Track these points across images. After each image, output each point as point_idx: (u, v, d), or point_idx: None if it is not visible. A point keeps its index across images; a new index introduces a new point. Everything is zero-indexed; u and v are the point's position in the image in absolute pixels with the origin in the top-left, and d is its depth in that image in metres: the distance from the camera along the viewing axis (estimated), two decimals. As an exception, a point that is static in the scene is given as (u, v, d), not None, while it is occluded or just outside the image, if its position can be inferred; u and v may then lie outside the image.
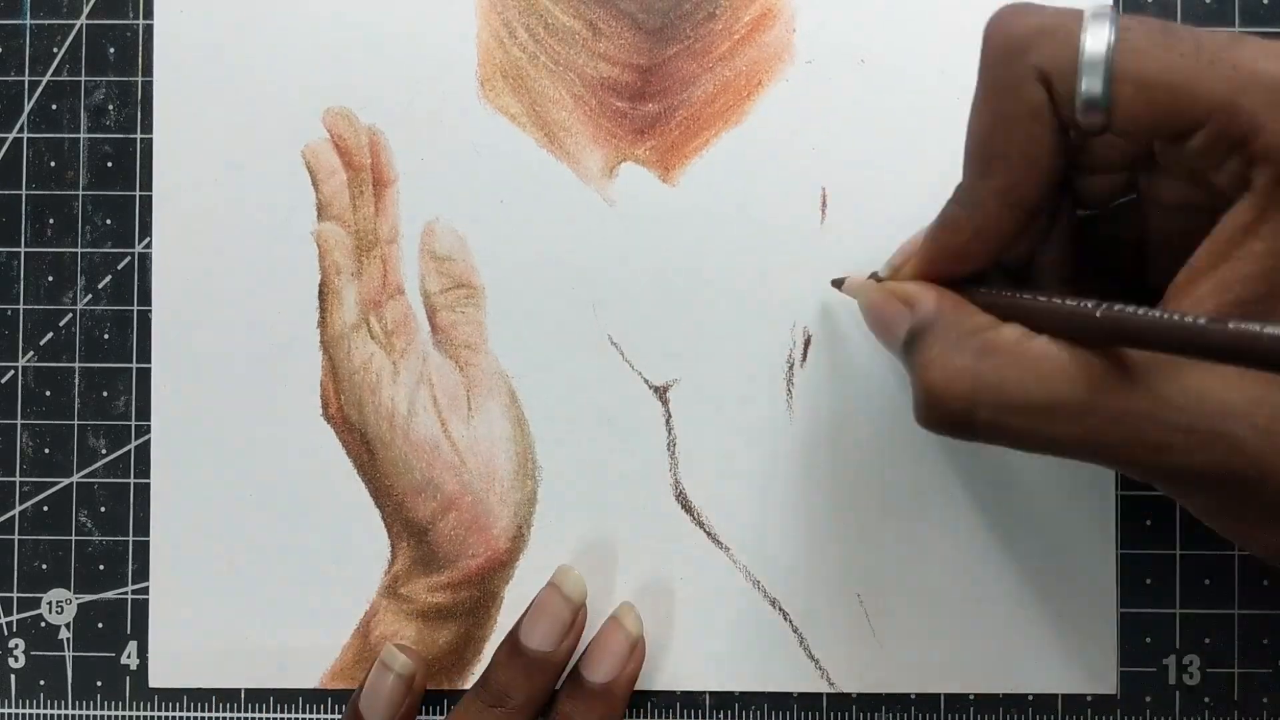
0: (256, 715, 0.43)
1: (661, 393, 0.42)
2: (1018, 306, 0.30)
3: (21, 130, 0.43)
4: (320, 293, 0.43)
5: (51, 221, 0.43)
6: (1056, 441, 0.28)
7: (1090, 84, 0.28)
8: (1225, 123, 0.27)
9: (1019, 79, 0.29)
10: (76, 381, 0.43)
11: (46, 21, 0.43)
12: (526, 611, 0.40)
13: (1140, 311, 0.27)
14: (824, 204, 0.42)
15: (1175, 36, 0.28)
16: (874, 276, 0.37)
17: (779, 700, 0.42)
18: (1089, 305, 0.28)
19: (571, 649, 0.40)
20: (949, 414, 0.29)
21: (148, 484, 0.43)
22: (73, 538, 0.43)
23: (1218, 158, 0.28)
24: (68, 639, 0.43)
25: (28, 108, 0.43)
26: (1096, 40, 0.28)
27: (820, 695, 0.42)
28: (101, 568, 0.43)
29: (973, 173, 0.31)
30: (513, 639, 0.40)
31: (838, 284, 0.40)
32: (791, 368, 0.42)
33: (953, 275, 0.32)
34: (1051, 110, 0.29)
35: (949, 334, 0.30)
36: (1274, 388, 0.27)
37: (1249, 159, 0.27)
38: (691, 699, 0.41)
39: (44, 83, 0.43)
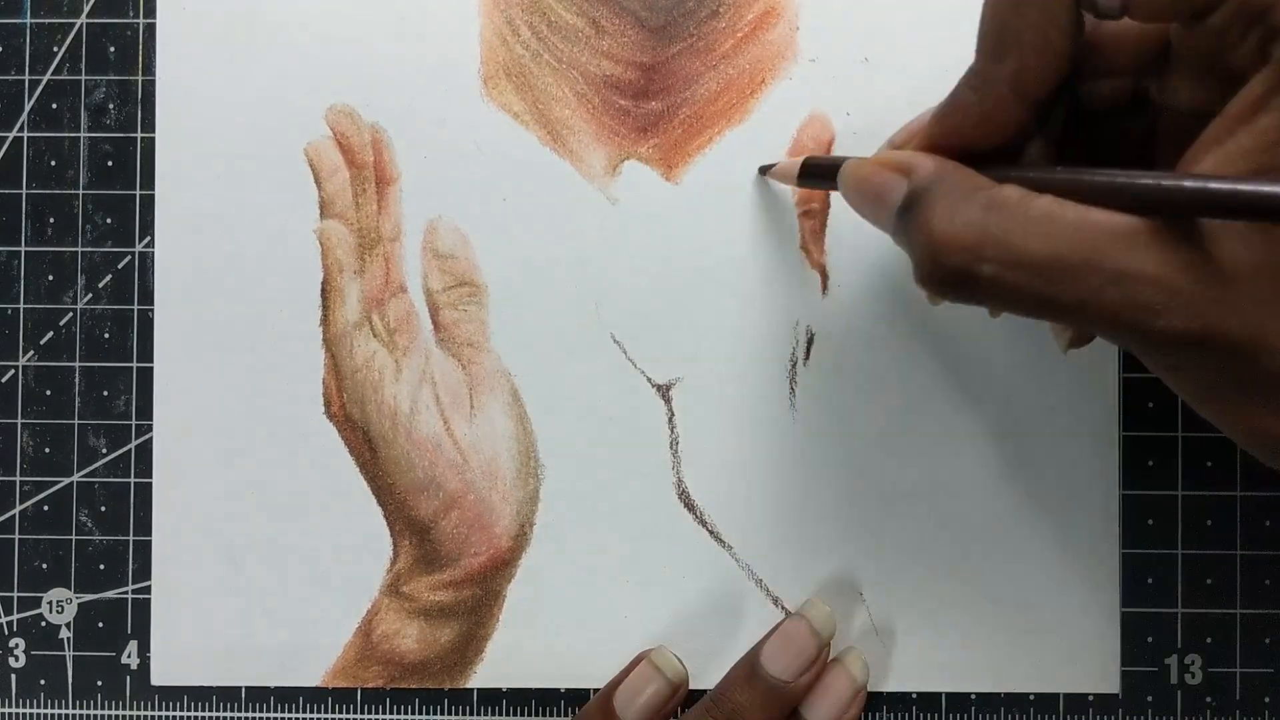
0: (257, 714, 0.43)
1: (664, 391, 0.42)
2: (1019, 179, 0.30)
3: (22, 129, 0.43)
4: (322, 291, 0.42)
5: (51, 221, 0.43)
6: (1055, 301, 0.28)
7: None
8: None
9: None
10: (77, 381, 0.43)
11: (47, 20, 0.43)
12: (769, 635, 0.40)
13: (1149, 176, 0.27)
14: (827, 202, 0.42)
15: None
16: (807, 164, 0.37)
17: (781, 700, 0.42)
18: (1103, 173, 0.28)
19: (810, 685, 0.40)
20: (953, 269, 0.29)
21: (148, 483, 0.43)
22: (73, 537, 0.43)
23: (1237, 34, 0.27)
24: (68, 638, 0.43)
25: (28, 107, 0.43)
26: None
27: (822, 695, 0.42)
28: (102, 567, 0.43)
29: (985, 56, 0.30)
30: (752, 661, 0.40)
31: (765, 170, 0.41)
32: (794, 366, 0.42)
33: (953, 157, 0.32)
34: None
35: (954, 190, 0.29)
36: (1276, 256, 0.26)
37: (1269, 32, 0.26)
38: (694, 698, 0.41)
39: (44, 82, 0.43)
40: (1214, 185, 0.25)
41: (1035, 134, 0.32)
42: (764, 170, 0.42)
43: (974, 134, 0.31)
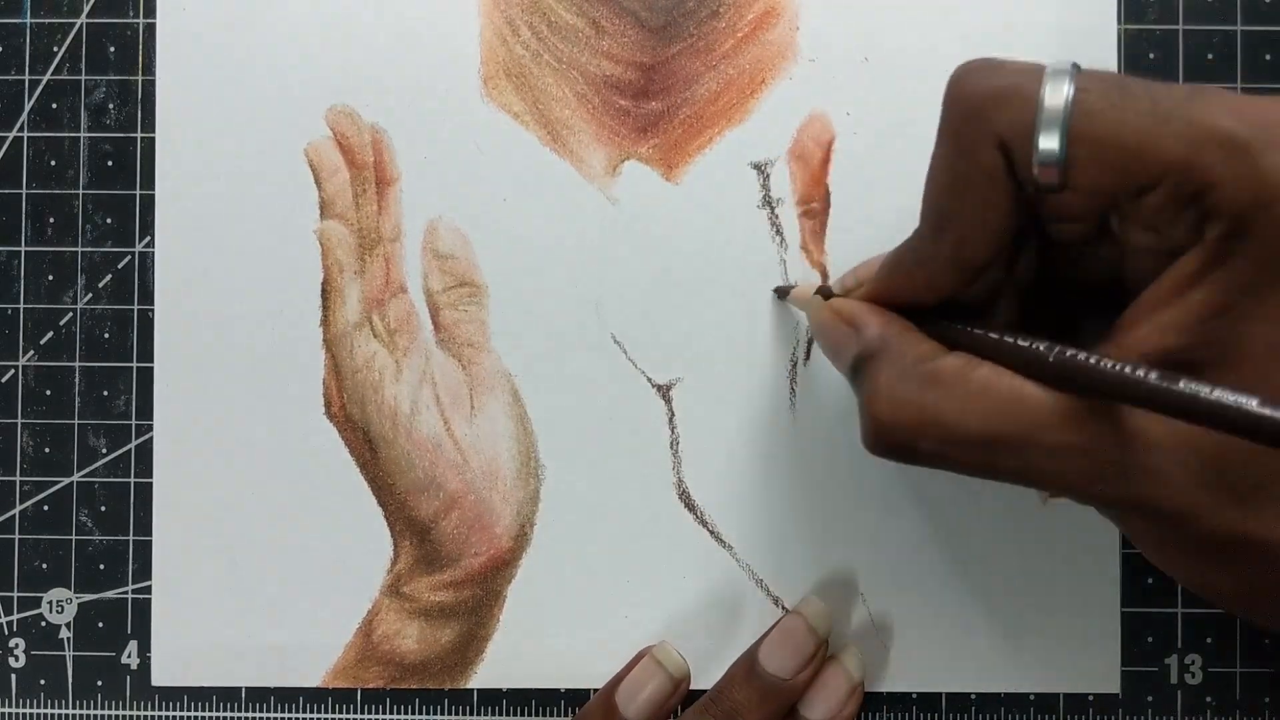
0: (257, 714, 0.43)
1: (664, 391, 0.42)
2: (965, 339, 0.30)
3: (22, 129, 0.43)
4: (323, 291, 0.42)
5: (51, 221, 0.43)
6: (996, 471, 0.29)
7: (1047, 144, 0.28)
8: (1181, 179, 0.27)
9: (977, 143, 0.29)
10: (77, 381, 0.43)
11: (47, 20, 0.43)
12: (768, 634, 0.41)
13: (1087, 358, 0.27)
14: (828, 202, 0.42)
15: (1131, 94, 0.28)
16: (821, 290, 0.37)
17: (781, 700, 0.42)
18: (1040, 347, 0.28)
19: (809, 681, 0.40)
20: (894, 444, 0.30)
21: (148, 483, 0.43)
22: (73, 537, 0.43)
23: (1174, 213, 0.28)
24: (68, 638, 0.43)
25: (28, 107, 0.43)
26: (1054, 99, 0.28)
27: (822, 694, 0.42)
28: (102, 567, 0.43)
29: (927, 227, 0.31)
30: (750, 659, 0.40)
31: (782, 293, 0.42)
32: (795, 366, 0.42)
33: (902, 308, 0.33)
34: (1008, 175, 0.29)
35: (894, 362, 0.30)
36: (1207, 433, 0.27)
37: (1203, 213, 0.27)
38: (694, 698, 0.41)
39: (44, 82, 0.43)
40: (1131, 375, 0.26)
41: (1005, 279, 0.33)
42: (781, 294, 0.42)
43: (917, 295, 0.32)
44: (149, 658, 0.43)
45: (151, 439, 0.43)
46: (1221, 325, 0.27)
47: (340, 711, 0.43)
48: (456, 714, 0.43)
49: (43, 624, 0.43)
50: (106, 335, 0.43)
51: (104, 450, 0.43)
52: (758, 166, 0.42)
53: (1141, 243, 0.30)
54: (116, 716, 0.43)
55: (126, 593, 0.43)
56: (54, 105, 0.43)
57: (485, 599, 0.42)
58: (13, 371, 0.43)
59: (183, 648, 0.43)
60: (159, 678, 0.43)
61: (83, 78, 0.43)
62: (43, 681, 0.43)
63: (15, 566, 0.43)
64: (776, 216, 0.42)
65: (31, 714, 0.43)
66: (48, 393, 0.43)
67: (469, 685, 0.42)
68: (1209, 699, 0.42)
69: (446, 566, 0.42)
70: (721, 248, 0.42)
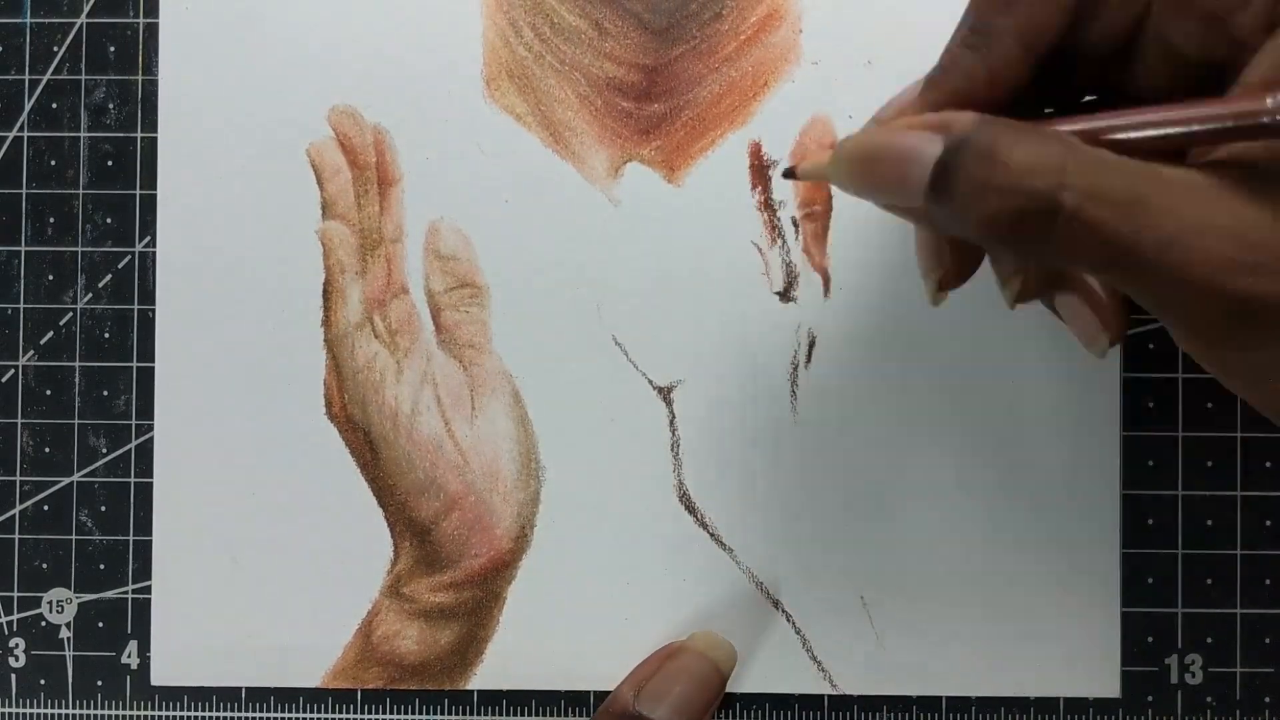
0: (257, 714, 0.43)
1: (665, 393, 0.42)
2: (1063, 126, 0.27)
3: (22, 129, 0.43)
4: (324, 291, 0.42)
5: (51, 220, 0.43)
6: (1134, 248, 0.25)
7: None
8: None
9: None
10: (77, 380, 0.43)
11: (47, 20, 0.43)
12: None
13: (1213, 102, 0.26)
14: (829, 205, 0.42)
15: None
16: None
17: (780, 702, 0.42)
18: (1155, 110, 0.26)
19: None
20: (1035, 194, 0.25)
21: (148, 483, 0.43)
22: (73, 537, 0.43)
23: None
24: (68, 638, 0.43)
25: (28, 106, 0.43)
26: None
27: (822, 697, 0.42)
28: (102, 567, 0.43)
29: (989, 9, 0.29)
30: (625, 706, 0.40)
31: (790, 173, 0.37)
32: (796, 369, 0.42)
33: None
34: None
35: (1015, 128, 0.26)
36: None
37: None
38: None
39: (44, 81, 0.43)
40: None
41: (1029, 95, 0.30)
42: (790, 174, 0.40)
43: (977, 94, 0.29)
44: (149, 658, 0.43)
45: (151, 439, 0.43)
46: None
47: (340, 712, 0.43)
48: (456, 715, 0.43)
49: (43, 624, 0.43)
50: (106, 335, 0.43)
51: (104, 450, 0.43)
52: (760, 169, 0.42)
53: (1182, 43, 0.28)
54: (116, 716, 0.43)
55: (126, 593, 0.43)
56: (54, 105, 0.43)
57: (485, 600, 0.42)
58: (13, 371, 0.43)
59: (183, 648, 0.43)
60: (159, 678, 0.43)
61: (83, 78, 0.43)
62: (43, 681, 0.43)
63: (15, 566, 0.43)
64: (778, 219, 0.42)
65: (31, 714, 0.43)
66: (48, 393, 0.43)
67: (469, 686, 0.42)
68: (1209, 699, 0.42)
69: (446, 568, 0.42)
70: (723, 250, 0.42)
